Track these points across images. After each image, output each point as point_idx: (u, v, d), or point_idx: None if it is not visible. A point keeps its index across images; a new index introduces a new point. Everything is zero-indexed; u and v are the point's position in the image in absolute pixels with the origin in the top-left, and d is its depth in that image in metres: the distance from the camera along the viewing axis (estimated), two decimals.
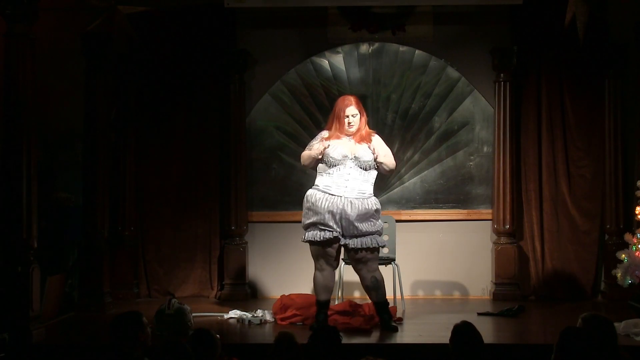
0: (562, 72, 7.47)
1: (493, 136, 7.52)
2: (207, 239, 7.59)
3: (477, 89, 7.61)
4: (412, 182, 7.68)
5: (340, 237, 6.02)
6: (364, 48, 7.67)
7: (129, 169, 7.52)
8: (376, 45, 7.66)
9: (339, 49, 7.67)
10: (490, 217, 7.55)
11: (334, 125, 6.19)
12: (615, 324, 4.33)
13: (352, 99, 6.22)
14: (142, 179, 7.59)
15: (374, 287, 6.08)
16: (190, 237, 7.58)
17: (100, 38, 6.90)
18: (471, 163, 7.67)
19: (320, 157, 6.08)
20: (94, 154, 7.09)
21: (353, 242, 6.01)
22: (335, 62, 7.67)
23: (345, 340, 4.34)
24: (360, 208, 5.99)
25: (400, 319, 6.42)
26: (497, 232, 7.45)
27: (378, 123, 7.61)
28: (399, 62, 7.64)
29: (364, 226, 6.01)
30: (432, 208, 7.66)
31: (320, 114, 7.60)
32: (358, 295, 7.53)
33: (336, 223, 5.98)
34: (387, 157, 6.18)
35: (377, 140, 6.25)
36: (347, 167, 6.07)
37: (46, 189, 6.89)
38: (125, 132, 7.51)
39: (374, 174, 6.17)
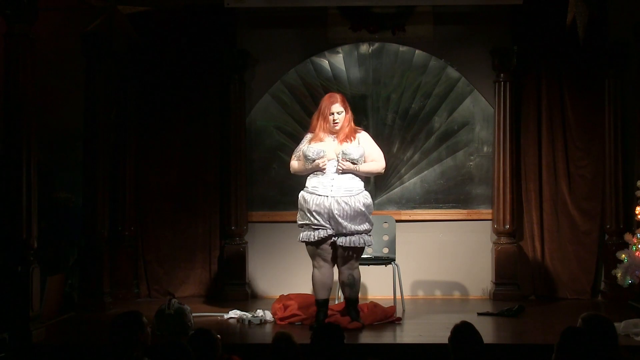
0: (562, 72, 7.47)
1: (493, 136, 7.52)
2: (207, 239, 7.60)
3: (477, 89, 7.61)
4: (412, 182, 7.68)
5: (333, 234, 6.06)
6: (364, 48, 7.67)
7: (129, 169, 7.52)
8: (376, 45, 7.66)
9: (339, 49, 7.67)
10: (490, 217, 7.55)
11: (318, 123, 6.18)
12: (615, 324, 4.32)
13: (337, 96, 6.23)
14: (142, 179, 7.59)
15: (350, 283, 6.14)
16: (190, 237, 7.58)
17: (100, 38, 6.90)
18: (471, 163, 7.67)
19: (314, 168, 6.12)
20: (94, 154, 7.09)
21: (341, 240, 6.05)
22: (335, 62, 7.67)
23: (345, 340, 4.35)
24: (346, 208, 6.01)
25: (400, 319, 6.42)
26: (497, 232, 7.45)
27: (378, 123, 7.61)
28: (399, 62, 7.63)
29: (351, 226, 6.03)
30: (432, 208, 7.66)
31: None
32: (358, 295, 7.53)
33: (326, 222, 6.03)
34: (369, 166, 6.16)
35: (365, 140, 6.23)
36: (331, 166, 6.09)
37: (46, 189, 6.89)
38: (125, 132, 7.52)
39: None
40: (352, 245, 6.04)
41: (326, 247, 6.09)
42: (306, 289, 7.04)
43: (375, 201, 7.64)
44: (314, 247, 6.09)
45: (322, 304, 6.15)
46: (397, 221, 7.22)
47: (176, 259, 7.58)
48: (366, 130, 7.56)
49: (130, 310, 4.42)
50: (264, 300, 7.26)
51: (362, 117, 7.63)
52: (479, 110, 7.63)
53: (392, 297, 6.72)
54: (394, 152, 7.64)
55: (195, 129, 7.58)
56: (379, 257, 6.97)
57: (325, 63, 7.68)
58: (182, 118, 7.59)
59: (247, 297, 7.43)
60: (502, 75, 7.39)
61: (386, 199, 7.67)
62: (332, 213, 6.00)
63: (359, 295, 6.29)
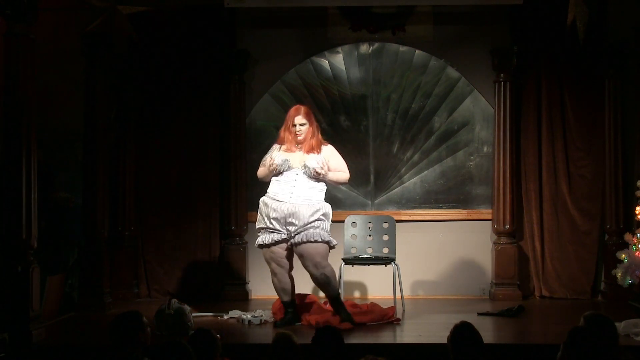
0: (562, 72, 7.47)
1: (493, 136, 7.52)
2: (207, 239, 7.59)
3: (477, 89, 7.61)
4: (412, 182, 7.68)
5: (289, 238, 6.10)
6: (364, 48, 7.68)
7: (129, 169, 7.52)
8: (376, 45, 7.66)
9: (339, 49, 7.67)
10: (490, 217, 7.55)
11: (285, 135, 6.26)
12: (615, 324, 4.33)
13: (301, 108, 6.32)
14: (142, 179, 7.59)
15: (324, 282, 6.15)
16: (190, 237, 7.58)
17: (100, 38, 6.90)
18: (471, 163, 7.67)
19: (273, 170, 6.18)
20: (94, 154, 7.09)
21: (298, 237, 6.07)
22: (335, 62, 7.67)
23: (345, 340, 4.35)
24: (304, 213, 6.05)
25: (399, 320, 6.42)
26: (497, 232, 7.45)
27: (378, 123, 7.62)
28: (399, 62, 7.64)
29: (308, 225, 6.05)
30: (432, 208, 7.66)
31: (320, 114, 7.59)
32: (358, 295, 7.54)
33: (282, 227, 6.08)
34: (336, 175, 6.24)
35: (329, 152, 6.29)
36: (293, 174, 6.16)
37: (46, 189, 6.88)
38: (125, 132, 7.52)
39: (322, 183, 6.24)
40: (304, 240, 6.03)
41: (280, 251, 6.15)
42: (306, 289, 7.04)
43: (375, 201, 7.66)
44: (269, 251, 6.15)
45: (288, 305, 6.26)
46: (397, 221, 7.22)
47: (176, 259, 7.58)
48: (366, 130, 7.62)
49: (130, 310, 4.42)
50: (264, 300, 7.25)
51: (362, 117, 7.64)
52: (479, 110, 7.64)
53: (392, 297, 6.71)
54: (394, 152, 7.65)
55: (195, 129, 7.58)
56: (379, 257, 6.97)
57: (325, 63, 7.68)
58: (182, 118, 7.59)
59: (247, 297, 7.44)
60: (502, 75, 7.39)
61: (386, 199, 7.67)
62: (289, 218, 6.05)
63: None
